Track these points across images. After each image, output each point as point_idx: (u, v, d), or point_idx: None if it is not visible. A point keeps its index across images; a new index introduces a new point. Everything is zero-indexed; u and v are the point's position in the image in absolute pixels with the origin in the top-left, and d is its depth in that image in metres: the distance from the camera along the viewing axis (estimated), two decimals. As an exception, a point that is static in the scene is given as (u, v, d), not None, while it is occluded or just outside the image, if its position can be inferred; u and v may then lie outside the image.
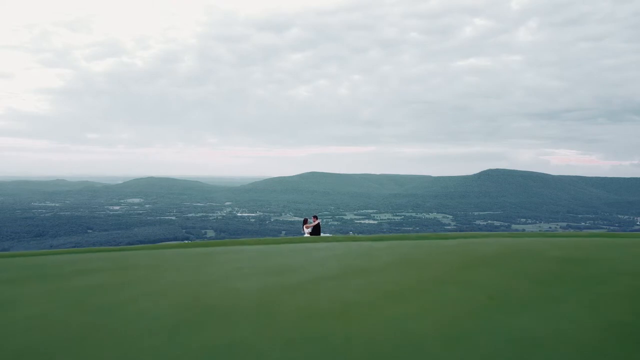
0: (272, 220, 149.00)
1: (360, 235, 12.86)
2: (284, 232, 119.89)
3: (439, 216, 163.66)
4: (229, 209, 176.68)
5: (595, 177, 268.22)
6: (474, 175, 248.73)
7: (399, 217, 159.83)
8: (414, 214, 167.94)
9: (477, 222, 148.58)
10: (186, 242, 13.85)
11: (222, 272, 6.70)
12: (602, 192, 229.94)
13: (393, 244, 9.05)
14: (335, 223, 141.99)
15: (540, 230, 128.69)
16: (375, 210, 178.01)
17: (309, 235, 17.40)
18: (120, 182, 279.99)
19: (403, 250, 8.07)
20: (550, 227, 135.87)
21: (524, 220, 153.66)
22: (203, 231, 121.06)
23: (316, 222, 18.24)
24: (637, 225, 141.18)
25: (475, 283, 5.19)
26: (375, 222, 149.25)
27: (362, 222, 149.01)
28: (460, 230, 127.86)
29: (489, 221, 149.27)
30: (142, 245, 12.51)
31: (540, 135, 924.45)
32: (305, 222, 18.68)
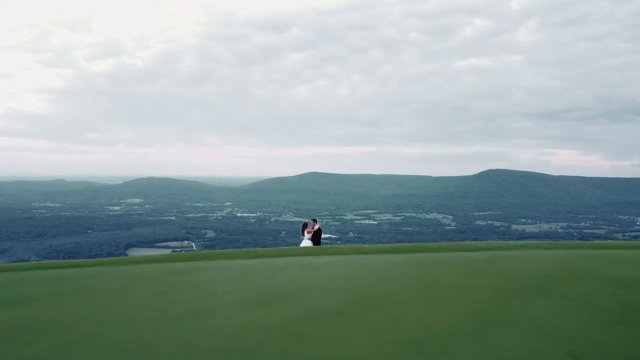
0: (272, 220, 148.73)
1: (368, 245, 11.08)
2: (284, 232, 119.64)
3: (439, 216, 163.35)
4: (229, 209, 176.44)
5: (595, 178, 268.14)
6: (474, 175, 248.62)
7: (399, 218, 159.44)
8: (414, 214, 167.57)
9: (477, 222, 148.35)
10: (162, 254, 12.77)
11: (192, 302, 5.21)
12: (602, 193, 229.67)
13: (409, 258, 7.57)
14: (335, 223, 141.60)
15: (540, 231, 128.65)
16: (375, 211, 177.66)
17: (308, 241, 15.62)
18: (120, 182, 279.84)
19: (424, 267, 6.60)
20: (550, 228, 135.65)
21: (524, 220, 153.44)
22: (203, 231, 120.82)
23: (316, 227, 16.00)
24: (637, 225, 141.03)
25: (540, 324, 3.66)
26: (376, 222, 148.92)
27: (362, 222, 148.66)
28: (461, 231, 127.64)
29: (489, 221, 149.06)
30: (108, 259, 10.91)
31: (540, 135, 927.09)
32: (304, 226, 16.43)
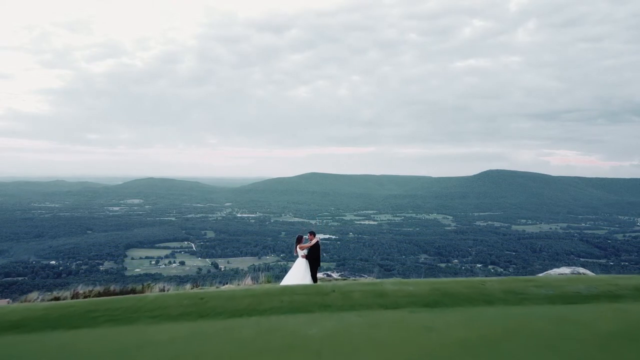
0: (272, 221, 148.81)
1: (391, 283, 7.94)
2: (283, 232, 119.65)
3: (439, 217, 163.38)
4: (228, 210, 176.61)
5: (595, 178, 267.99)
6: (474, 176, 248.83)
7: (399, 218, 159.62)
8: (414, 215, 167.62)
9: (477, 222, 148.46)
10: (21, 305, 7.77)
11: None
12: (602, 193, 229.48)
13: (474, 326, 4.67)
14: (335, 224, 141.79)
15: (540, 232, 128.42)
16: (375, 211, 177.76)
17: (303, 258, 12.97)
18: (120, 182, 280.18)
19: None
20: (550, 228, 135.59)
21: (524, 221, 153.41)
22: (203, 232, 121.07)
23: (314, 242, 13.06)
24: (638, 226, 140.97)
25: None
26: (375, 222, 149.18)
27: (362, 222, 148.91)
28: (461, 231, 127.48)
29: (489, 222, 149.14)
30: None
31: (540, 135, 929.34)
32: (299, 240, 13.27)
